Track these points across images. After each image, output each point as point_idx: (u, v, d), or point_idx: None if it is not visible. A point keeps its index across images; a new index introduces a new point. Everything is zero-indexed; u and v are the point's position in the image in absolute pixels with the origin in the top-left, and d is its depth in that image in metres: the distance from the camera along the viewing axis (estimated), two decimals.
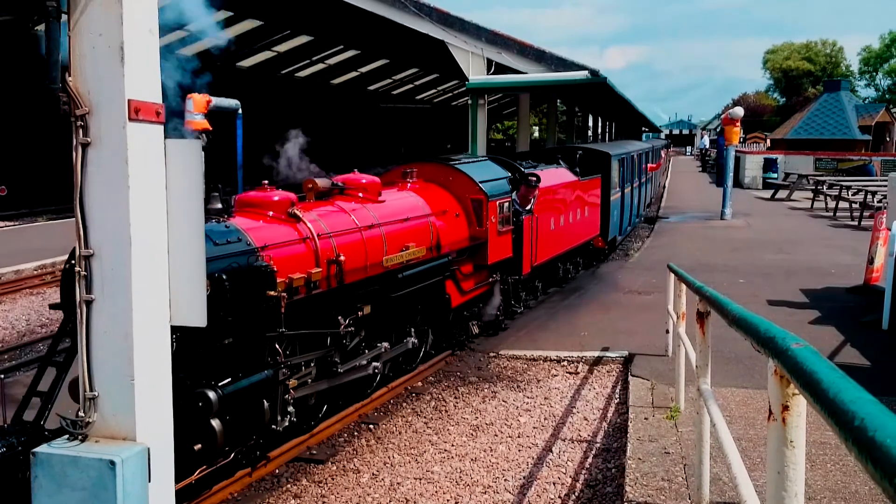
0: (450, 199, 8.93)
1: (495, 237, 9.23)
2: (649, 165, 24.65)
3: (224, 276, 5.27)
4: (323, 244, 6.46)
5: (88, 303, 3.41)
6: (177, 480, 4.12)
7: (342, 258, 6.51)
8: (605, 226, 15.07)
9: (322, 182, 7.36)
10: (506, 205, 9.43)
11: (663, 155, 26.47)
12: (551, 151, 14.96)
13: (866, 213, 20.67)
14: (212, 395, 5.06)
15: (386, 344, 7.45)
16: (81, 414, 3.44)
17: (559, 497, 5.62)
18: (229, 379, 5.32)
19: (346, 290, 6.76)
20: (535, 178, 10.30)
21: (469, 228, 9.04)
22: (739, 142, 32.23)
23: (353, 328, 6.78)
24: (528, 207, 10.24)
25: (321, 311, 6.49)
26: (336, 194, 7.49)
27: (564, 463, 6.18)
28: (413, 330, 8.12)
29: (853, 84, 70.16)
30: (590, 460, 6.20)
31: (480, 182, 9.01)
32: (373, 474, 6.08)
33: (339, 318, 6.64)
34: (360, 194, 7.59)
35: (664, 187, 36.42)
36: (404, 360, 8.24)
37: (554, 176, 12.04)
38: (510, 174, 10.07)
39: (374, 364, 7.18)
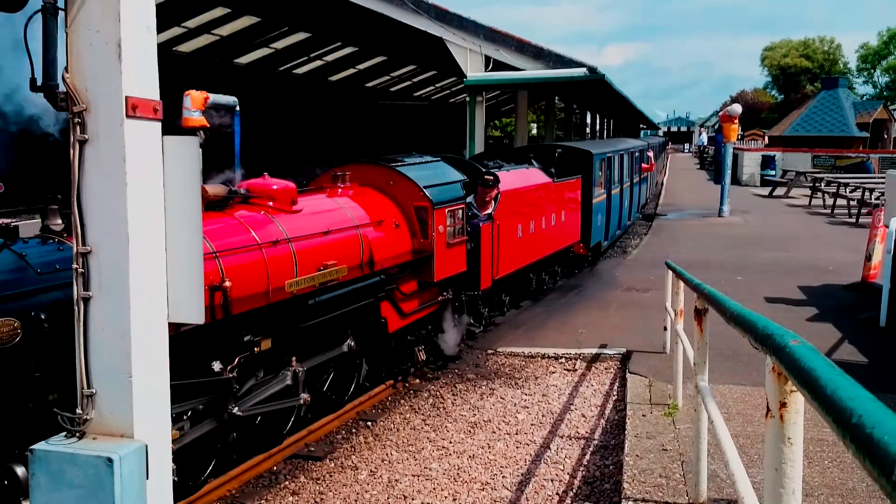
0: (389, 206, 7.77)
1: (444, 250, 8.08)
2: (642, 166, 23.41)
3: (43, 316, 4.28)
4: (205, 267, 5.32)
5: (86, 300, 3.41)
6: None
7: (227, 284, 5.26)
8: (587, 231, 13.95)
9: (214, 189, 6.05)
10: (458, 212, 8.32)
11: (650, 155, 24.12)
12: (524, 150, 13.87)
13: (864, 210, 20.70)
14: (20, 470, 4.09)
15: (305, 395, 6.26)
16: (79, 411, 3.44)
17: (557, 494, 5.63)
18: None
19: (235, 322, 5.51)
20: (491, 178, 9.28)
21: (412, 240, 7.84)
22: (737, 139, 32.28)
23: (234, 374, 5.46)
24: (487, 212, 9.26)
25: (197, 350, 5.27)
26: (236, 203, 6.22)
27: (562, 460, 6.19)
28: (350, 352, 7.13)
29: (851, 81, 70.20)
30: (588, 457, 6.21)
31: (425, 187, 7.87)
32: (371, 471, 6.09)
33: (216, 363, 5.37)
34: (270, 203, 6.32)
35: (662, 184, 36.45)
36: (330, 393, 7.16)
37: (523, 177, 11.00)
38: (465, 177, 8.91)
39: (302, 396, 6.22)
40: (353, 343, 7.13)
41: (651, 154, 22.21)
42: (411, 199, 7.87)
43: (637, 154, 21.19)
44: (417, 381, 8.33)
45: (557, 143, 16.93)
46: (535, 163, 12.12)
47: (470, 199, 9.10)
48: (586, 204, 13.74)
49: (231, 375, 5.45)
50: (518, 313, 11.11)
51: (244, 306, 5.54)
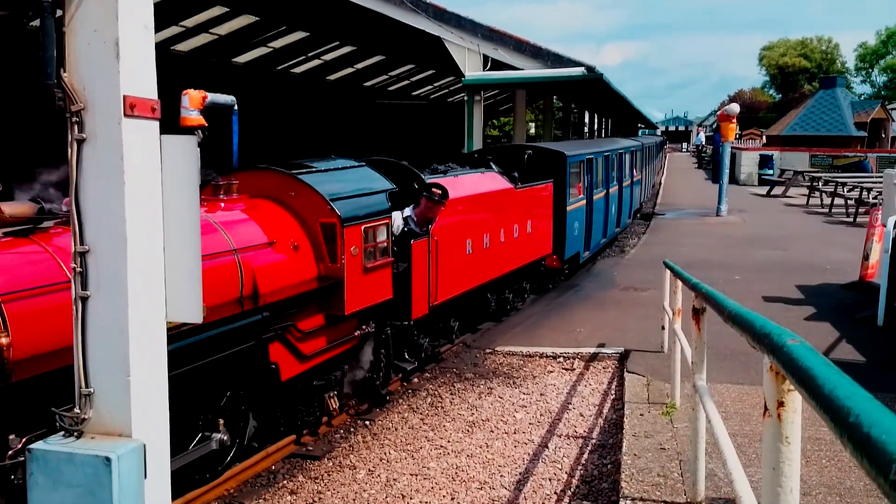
0: (289, 223, 6.37)
1: (358, 275, 6.62)
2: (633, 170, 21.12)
3: None
4: None
5: (84, 299, 3.41)
6: None
7: (4, 340, 3.97)
8: (560, 242, 12.45)
9: (14, 208, 4.55)
10: (381, 229, 6.96)
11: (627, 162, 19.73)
12: (485, 153, 12.19)
13: (861, 210, 20.74)
14: None
15: None
16: (77, 410, 3.44)
17: (555, 493, 5.63)
18: None
19: (18, 391, 4.17)
20: (439, 192, 7.81)
21: (318, 265, 6.43)
22: (735, 138, 32.34)
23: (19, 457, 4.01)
24: (424, 230, 7.95)
25: None
26: (53, 228, 4.72)
27: (560, 459, 6.19)
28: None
29: (849, 81, 70.39)
30: (585, 456, 6.22)
31: (333, 199, 6.46)
32: (369, 470, 6.09)
33: (12, 436, 4.10)
34: None
35: (660, 184, 36.49)
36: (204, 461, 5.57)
37: (476, 183, 9.51)
38: (393, 186, 7.44)
39: None
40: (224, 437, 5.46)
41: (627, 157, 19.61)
42: (316, 214, 6.46)
43: (628, 155, 19.67)
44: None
45: (527, 143, 14.74)
46: (493, 166, 10.70)
47: (408, 211, 7.92)
48: (559, 211, 12.33)
49: (7, 462, 4.09)
50: (524, 309, 11.10)
51: (36, 368, 4.19)
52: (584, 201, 13.99)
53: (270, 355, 6.01)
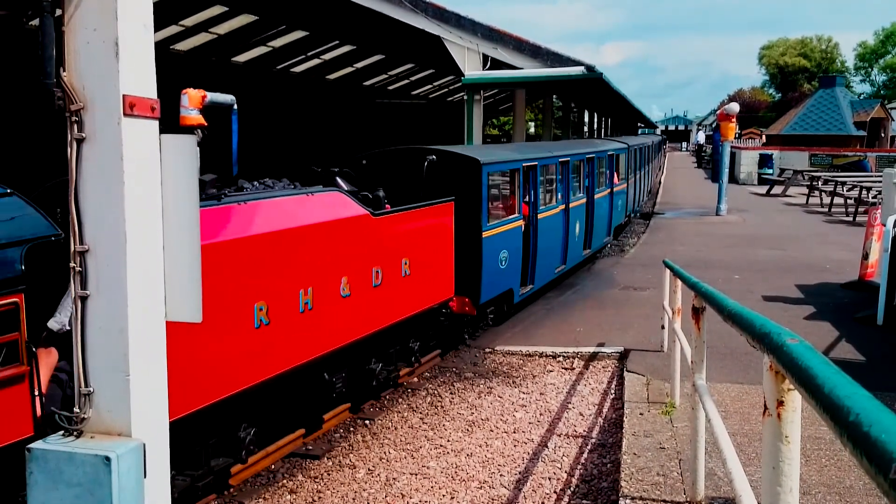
0: None
1: None
2: (614, 175, 17.52)
3: None
4: None
5: (84, 299, 3.40)
6: None
7: None
8: (473, 279, 9.28)
9: None
10: None
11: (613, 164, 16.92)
12: (366, 159, 9.34)
13: (861, 209, 20.75)
14: None
15: None
16: (77, 410, 3.44)
17: (554, 492, 5.63)
18: None
19: None
20: None
21: None
22: (735, 138, 32.34)
23: None
24: None
25: None
26: None
27: (560, 458, 6.20)
28: None
29: (848, 80, 70.43)
30: (585, 455, 6.22)
31: None
32: (368, 470, 6.10)
33: None
34: None
35: (660, 183, 36.50)
36: None
37: (285, 215, 6.11)
38: (56, 231, 4.31)
39: None
40: None
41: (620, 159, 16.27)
42: None
43: (604, 159, 16.31)
44: (416, 379, 8.24)
45: (430, 147, 9.90)
46: (342, 183, 8.01)
47: None
48: (469, 239, 9.23)
49: None
50: (522, 309, 11.08)
51: None
52: (520, 221, 10.63)
53: None
